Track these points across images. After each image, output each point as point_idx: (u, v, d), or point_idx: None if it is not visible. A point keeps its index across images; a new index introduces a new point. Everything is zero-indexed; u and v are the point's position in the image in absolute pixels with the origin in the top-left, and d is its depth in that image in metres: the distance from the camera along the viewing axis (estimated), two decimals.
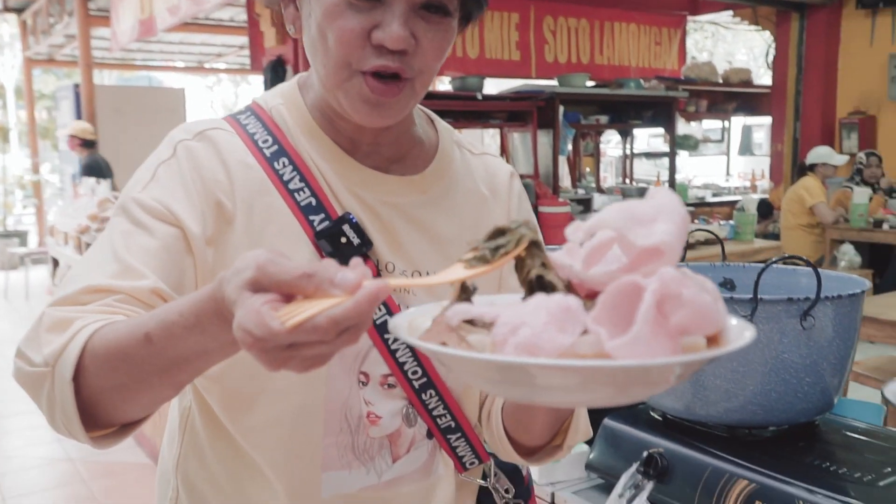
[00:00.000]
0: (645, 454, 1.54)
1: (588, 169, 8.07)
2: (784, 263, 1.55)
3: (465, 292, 0.68)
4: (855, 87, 8.54)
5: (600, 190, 8.24)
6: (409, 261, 1.01)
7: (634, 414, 1.69)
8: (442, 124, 1.12)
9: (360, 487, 1.01)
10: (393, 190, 1.01)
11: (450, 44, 0.94)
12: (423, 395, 1.01)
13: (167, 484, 1.09)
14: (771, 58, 9.38)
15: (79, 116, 8.40)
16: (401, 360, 0.99)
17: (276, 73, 5.75)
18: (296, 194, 0.96)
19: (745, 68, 10.17)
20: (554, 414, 1.01)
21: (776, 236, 6.86)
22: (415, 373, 1.00)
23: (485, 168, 1.12)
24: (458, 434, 1.05)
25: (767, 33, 9.49)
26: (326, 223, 0.96)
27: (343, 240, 0.95)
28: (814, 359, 1.47)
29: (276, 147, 0.98)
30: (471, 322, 0.64)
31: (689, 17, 9.95)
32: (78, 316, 0.80)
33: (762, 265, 1.52)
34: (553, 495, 1.73)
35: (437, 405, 1.02)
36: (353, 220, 0.97)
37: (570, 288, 0.65)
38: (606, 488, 1.61)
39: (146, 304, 0.84)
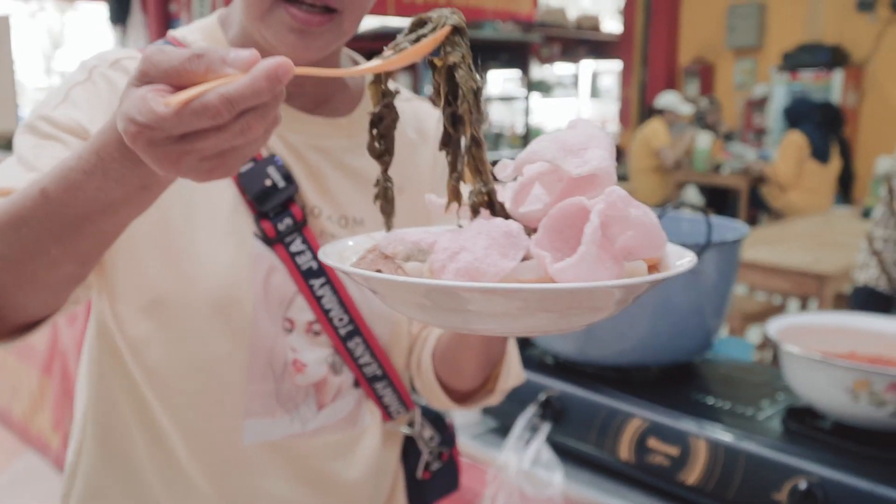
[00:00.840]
0: (541, 397, 1.59)
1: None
2: (675, 209, 1.61)
3: (386, 95, 0.67)
4: (696, 36, 8.98)
5: None
6: (336, 205, 0.98)
7: (528, 358, 1.72)
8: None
9: (283, 435, 0.99)
10: (319, 133, 0.99)
11: None
12: (349, 343, 0.99)
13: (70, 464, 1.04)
14: (621, 5, 9.67)
15: None
16: (326, 306, 0.97)
17: (120, 3, 5.33)
18: None
19: (594, 15, 10.44)
20: (485, 356, 1.01)
21: (625, 178, 7.17)
22: (341, 320, 0.98)
23: (413, 113, 1.10)
24: (385, 382, 1.04)
25: None
26: (251, 164, 0.93)
27: (268, 182, 0.93)
28: (700, 302, 1.55)
29: None
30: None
31: None
32: None
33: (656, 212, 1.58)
34: None
35: (364, 353, 1.00)
36: (279, 163, 0.94)
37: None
38: (503, 431, 1.65)
39: None
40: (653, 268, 0.63)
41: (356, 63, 1.09)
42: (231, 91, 0.51)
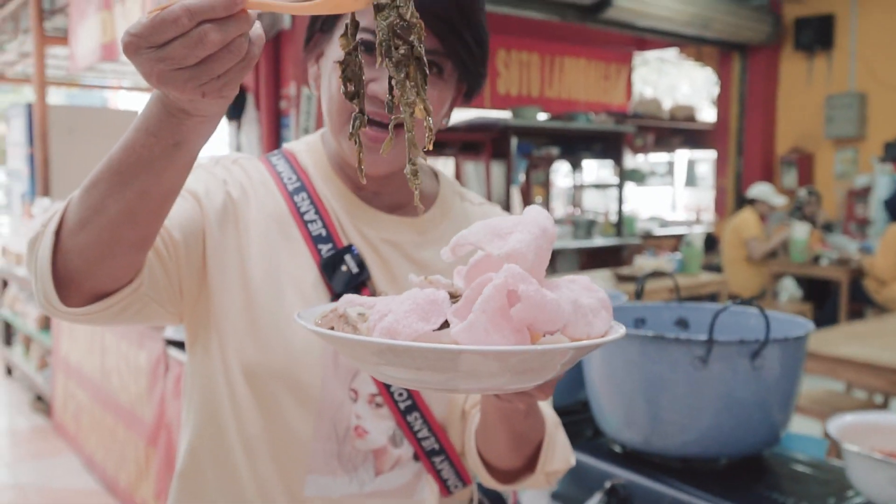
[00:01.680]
0: (607, 485, 1.65)
1: (539, 198, 8.24)
2: (736, 305, 1.68)
3: (350, 44, 0.74)
4: (793, 126, 8.92)
5: None
6: (402, 291, 1.11)
7: (595, 445, 1.80)
8: (445, 178, 1.25)
9: (342, 494, 1.09)
10: (393, 229, 1.14)
11: (444, 103, 1.06)
12: (409, 417, 1.10)
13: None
14: (715, 95, 9.73)
15: (31, 136, 8.27)
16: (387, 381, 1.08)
17: (236, 100, 5.79)
18: (309, 225, 1.10)
19: (689, 105, 10.52)
20: (512, 434, 1.07)
21: (720, 268, 7.10)
22: (400, 395, 1.09)
23: (483, 215, 1.23)
24: (443, 457, 1.13)
25: (710, 69, 9.85)
26: (332, 252, 1.09)
27: (344, 268, 1.08)
28: (763, 396, 1.59)
29: (298, 184, 1.13)
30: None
31: (636, 53, 10.27)
32: None
33: (715, 306, 1.65)
34: None
35: (422, 428, 1.11)
36: (355, 252, 1.09)
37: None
38: None
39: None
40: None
41: (434, 173, 1.24)
42: (190, 2, 0.63)
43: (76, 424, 4.75)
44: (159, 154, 0.79)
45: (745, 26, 8.37)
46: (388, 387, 1.09)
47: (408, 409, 1.10)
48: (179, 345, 3.19)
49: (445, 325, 0.66)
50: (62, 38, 8.12)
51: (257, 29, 0.69)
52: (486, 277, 0.64)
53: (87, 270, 0.87)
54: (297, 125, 5.39)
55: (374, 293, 1.10)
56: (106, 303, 0.91)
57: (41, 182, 7.86)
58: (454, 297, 0.72)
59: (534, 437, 1.10)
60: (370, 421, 1.09)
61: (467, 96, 1.12)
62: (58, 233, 0.86)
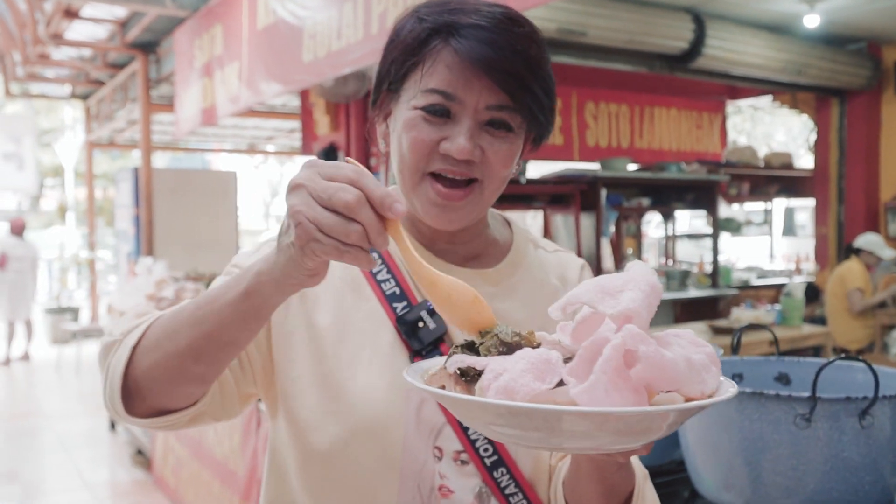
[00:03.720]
0: None
1: (630, 250, 8.12)
2: (841, 359, 1.59)
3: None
4: None
5: None
6: None
7: None
8: (518, 227, 1.25)
9: None
10: (468, 282, 1.12)
11: (515, 156, 1.07)
12: (495, 473, 1.08)
13: None
14: (812, 142, 9.44)
15: (137, 198, 8.71)
16: (472, 436, 1.07)
17: (328, 158, 5.95)
18: (382, 284, 1.10)
19: (785, 152, 10.23)
20: (602, 486, 1.03)
21: (823, 320, 6.80)
22: (486, 450, 1.07)
23: (558, 262, 1.24)
24: None
25: (806, 115, 9.58)
26: (407, 310, 1.09)
27: (420, 324, 1.08)
28: (873, 457, 1.50)
29: None
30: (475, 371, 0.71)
31: (728, 102, 10.10)
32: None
33: (818, 360, 1.57)
34: None
35: (509, 484, 1.08)
36: (430, 308, 1.09)
37: None
38: None
39: None
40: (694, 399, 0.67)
41: (507, 222, 1.25)
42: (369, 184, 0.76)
43: (175, 478, 4.86)
44: (238, 307, 0.87)
45: (843, 71, 8.12)
46: (473, 442, 1.07)
47: (494, 464, 1.08)
48: None
49: (559, 383, 0.67)
50: (167, 105, 8.59)
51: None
52: (602, 337, 0.65)
53: (151, 389, 0.94)
54: (387, 181, 5.50)
55: (451, 346, 1.09)
56: (168, 419, 0.97)
57: (146, 241, 8.24)
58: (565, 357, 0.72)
59: (624, 489, 1.06)
60: (455, 479, 1.07)
61: (535, 143, 1.12)
62: (135, 348, 0.93)
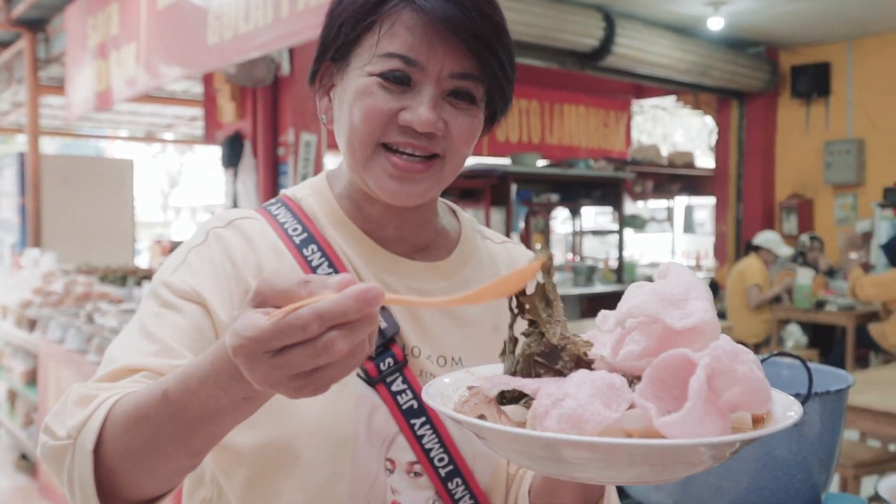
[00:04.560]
0: None
1: (539, 245, 8.17)
2: (776, 357, 1.57)
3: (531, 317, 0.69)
4: (793, 172, 8.90)
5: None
6: (435, 345, 1.01)
7: None
8: (464, 216, 1.15)
9: None
10: (418, 276, 1.03)
11: (477, 132, 0.98)
12: (449, 484, 0.99)
13: None
14: (713, 142, 9.74)
15: (23, 185, 8.21)
16: (427, 446, 0.98)
17: (233, 147, 5.73)
18: None
19: (688, 151, 10.55)
20: (582, 496, 0.98)
21: (723, 315, 7.00)
22: (441, 460, 0.98)
23: (507, 254, 1.15)
24: None
25: (708, 117, 9.89)
26: None
27: None
28: (804, 455, 1.47)
29: (305, 235, 1.01)
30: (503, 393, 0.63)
31: (634, 101, 10.31)
32: (105, 388, 0.82)
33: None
34: None
35: (464, 495, 1.00)
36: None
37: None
38: None
39: None
40: (758, 418, 0.63)
41: (454, 212, 1.15)
42: (321, 307, 0.57)
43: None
44: (227, 405, 0.72)
45: (743, 74, 8.40)
46: (427, 452, 0.97)
47: (449, 475, 0.99)
48: None
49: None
50: (57, 87, 8.14)
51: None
52: (679, 355, 0.57)
53: (132, 488, 0.80)
54: (296, 172, 5.32)
55: (404, 349, 0.99)
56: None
57: (32, 232, 7.79)
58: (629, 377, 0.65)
59: (597, 495, 1.00)
60: (407, 493, 0.98)
61: (490, 122, 1.02)
62: (96, 451, 0.78)
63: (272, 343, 0.59)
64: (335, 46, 0.97)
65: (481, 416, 0.62)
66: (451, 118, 0.93)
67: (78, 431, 0.78)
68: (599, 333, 0.68)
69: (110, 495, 0.79)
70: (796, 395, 1.41)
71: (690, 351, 0.57)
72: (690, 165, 10.11)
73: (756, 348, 6.27)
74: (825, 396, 1.47)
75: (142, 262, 10.91)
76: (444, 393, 0.71)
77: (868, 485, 3.83)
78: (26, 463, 5.52)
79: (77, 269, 6.21)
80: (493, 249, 1.14)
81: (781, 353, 1.53)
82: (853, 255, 6.17)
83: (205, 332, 0.93)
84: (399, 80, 0.91)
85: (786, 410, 0.64)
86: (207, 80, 6.47)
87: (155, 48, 5.07)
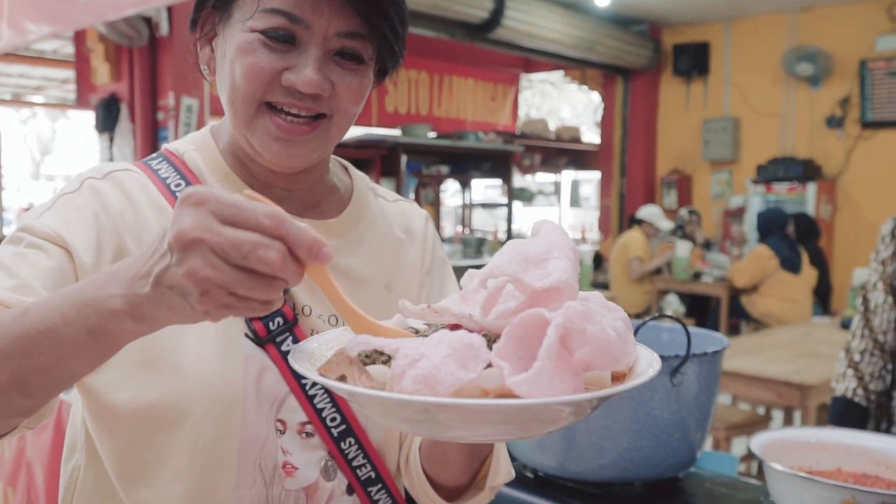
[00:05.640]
0: None
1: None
2: (656, 321, 1.60)
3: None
4: (673, 148, 9.23)
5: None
6: (326, 304, 0.99)
7: None
8: (356, 172, 1.12)
9: None
10: None
11: (366, 91, 0.95)
12: (343, 444, 0.97)
13: None
14: (599, 118, 9.97)
15: None
16: (319, 406, 0.96)
17: (108, 111, 5.43)
18: None
19: (575, 126, 10.75)
20: (469, 451, 0.98)
21: (607, 285, 7.21)
22: (333, 419, 0.96)
23: (401, 213, 1.13)
24: (380, 486, 1.01)
25: (594, 93, 10.11)
26: None
27: None
28: (682, 414, 1.52)
29: None
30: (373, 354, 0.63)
31: (523, 75, 10.42)
32: None
33: (634, 322, 1.57)
34: None
35: (357, 454, 0.98)
36: None
37: None
38: None
39: None
40: (620, 376, 0.64)
41: (345, 168, 1.12)
42: (284, 213, 0.59)
43: None
44: (74, 335, 0.66)
45: (628, 51, 8.61)
46: (319, 412, 0.95)
47: (342, 434, 0.97)
48: None
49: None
50: None
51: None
52: (534, 314, 0.57)
53: None
54: (176, 138, 5.10)
55: (294, 309, 0.96)
56: None
57: None
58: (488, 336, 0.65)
59: (485, 452, 1.00)
60: (299, 454, 0.95)
61: (381, 76, 0.99)
62: None
63: (227, 210, 0.58)
64: None
65: (341, 378, 0.61)
66: (337, 78, 0.90)
67: None
68: (473, 293, 0.67)
69: None
70: (675, 357, 1.45)
71: (547, 311, 0.57)
72: (577, 140, 10.33)
73: (637, 318, 6.50)
74: (702, 357, 1.51)
75: (10, 231, 10.30)
76: (313, 354, 0.70)
77: (738, 445, 4.04)
78: None
79: None
80: (386, 207, 1.12)
81: (662, 316, 1.57)
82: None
83: (67, 276, 0.87)
84: (283, 39, 0.88)
85: (649, 367, 0.65)
86: (79, 38, 6.09)
87: (19, 3, 4.73)
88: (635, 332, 1.41)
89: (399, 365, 0.58)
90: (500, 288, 0.65)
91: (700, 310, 7.13)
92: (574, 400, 0.57)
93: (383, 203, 1.12)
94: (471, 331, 0.62)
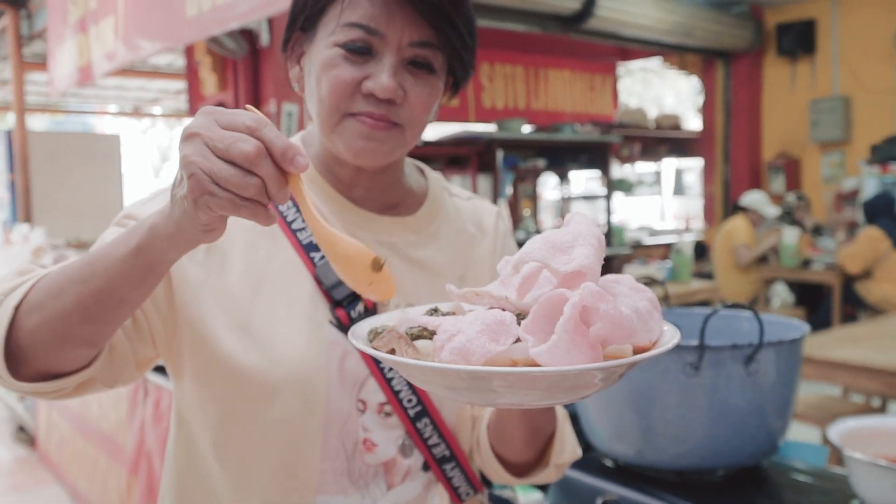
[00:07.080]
0: (599, 501, 1.57)
1: (528, 211, 8.18)
2: (726, 308, 1.61)
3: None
4: (779, 131, 8.91)
5: (539, 232, 8.30)
6: (403, 294, 1.07)
7: (586, 461, 1.71)
8: (432, 173, 1.21)
9: None
10: (388, 230, 1.10)
11: (436, 100, 1.03)
12: (418, 424, 1.06)
13: None
14: (700, 103, 9.72)
15: (11, 162, 8.19)
16: (396, 388, 1.04)
17: None
18: (298, 234, 1.05)
19: (674, 114, 10.51)
20: (529, 428, 1.06)
21: (711, 276, 7.05)
22: (410, 401, 1.05)
23: (473, 210, 1.21)
24: (453, 464, 1.09)
25: (695, 77, 9.86)
26: (326, 259, 1.03)
27: None
28: (759, 403, 1.52)
29: None
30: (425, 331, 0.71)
31: (620, 64, 10.27)
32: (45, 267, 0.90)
33: (705, 311, 1.58)
34: None
35: (432, 434, 1.07)
36: None
37: None
38: None
39: None
40: (643, 348, 0.70)
41: (421, 170, 1.21)
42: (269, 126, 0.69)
43: (59, 455, 4.64)
44: (129, 264, 0.79)
45: (728, 33, 8.37)
46: (396, 393, 1.04)
47: (418, 415, 1.06)
48: (158, 368, 3.10)
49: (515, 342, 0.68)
50: (41, 63, 8.08)
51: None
52: (557, 294, 0.65)
53: (36, 352, 0.85)
54: None
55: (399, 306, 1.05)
56: (54, 384, 0.88)
57: (22, 208, 7.78)
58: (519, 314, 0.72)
59: (547, 430, 1.08)
60: (378, 432, 1.05)
61: (454, 89, 1.08)
62: (18, 307, 0.84)
63: (224, 117, 0.69)
64: (304, 16, 1.02)
65: (391, 351, 0.68)
66: (410, 87, 0.98)
67: (9, 293, 0.86)
68: (509, 277, 0.73)
69: (16, 362, 0.85)
70: (748, 346, 1.46)
71: (569, 291, 0.63)
72: (677, 127, 10.09)
73: (742, 305, 6.33)
74: (779, 346, 1.51)
75: None
76: (375, 331, 0.77)
77: None
78: (24, 435, 5.58)
79: (67, 244, 6.23)
80: (460, 205, 1.21)
81: (735, 306, 1.58)
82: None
83: None
84: (361, 51, 0.96)
85: (670, 342, 0.70)
86: (189, 52, 6.43)
87: (132, 21, 5.04)
88: (705, 321, 1.43)
89: (439, 339, 0.66)
90: (535, 273, 0.71)
91: (811, 299, 6.87)
92: (578, 370, 0.63)
93: (457, 201, 1.21)
94: (505, 311, 0.69)
